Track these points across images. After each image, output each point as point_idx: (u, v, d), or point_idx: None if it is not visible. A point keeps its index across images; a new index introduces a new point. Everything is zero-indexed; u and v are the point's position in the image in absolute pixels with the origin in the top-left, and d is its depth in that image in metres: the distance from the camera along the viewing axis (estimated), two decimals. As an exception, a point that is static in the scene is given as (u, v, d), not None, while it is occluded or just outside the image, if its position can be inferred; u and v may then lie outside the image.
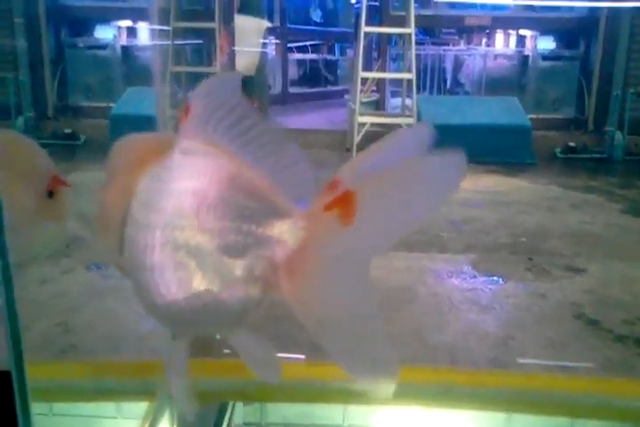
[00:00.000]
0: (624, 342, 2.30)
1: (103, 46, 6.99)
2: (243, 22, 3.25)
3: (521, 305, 2.57)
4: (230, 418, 1.91)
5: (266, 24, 3.35)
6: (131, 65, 7.06)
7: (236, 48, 3.24)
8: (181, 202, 0.57)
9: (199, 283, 0.55)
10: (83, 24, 7.16)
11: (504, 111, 6.42)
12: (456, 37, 9.30)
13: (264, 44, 7.50)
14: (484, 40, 9.18)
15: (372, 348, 0.56)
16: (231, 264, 0.56)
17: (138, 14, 6.97)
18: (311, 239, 0.56)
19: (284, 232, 0.57)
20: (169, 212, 0.56)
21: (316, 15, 10.20)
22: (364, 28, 6.01)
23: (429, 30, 9.19)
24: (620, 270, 3.12)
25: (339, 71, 10.72)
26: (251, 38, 3.31)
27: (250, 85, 7.28)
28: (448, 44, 8.81)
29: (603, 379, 1.95)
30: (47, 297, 2.65)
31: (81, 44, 6.99)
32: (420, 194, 0.54)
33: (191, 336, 0.65)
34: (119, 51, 7.00)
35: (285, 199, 0.61)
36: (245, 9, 6.09)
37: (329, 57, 10.61)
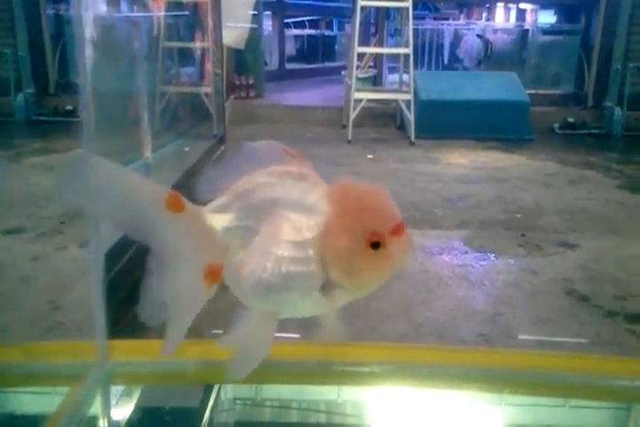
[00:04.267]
0: (614, 318, 2.29)
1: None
2: (231, -5, 3.18)
3: (511, 281, 2.54)
4: (218, 394, 1.89)
5: (256, -4, 3.27)
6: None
7: (224, 22, 3.18)
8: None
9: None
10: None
11: (502, 87, 6.33)
12: (455, 12, 9.16)
13: (258, 19, 7.38)
14: (485, 14, 9.05)
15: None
16: None
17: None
18: None
19: None
20: None
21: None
22: (361, 2, 5.90)
23: (428, 5, 9.05)
24: (615, 246, 3.09)
25: (337, 47, 10.59)
26: (240, 11, 3.24)
27: (245, 62, 7.19)
28: (448, 19, 8.69)
29: (602, 358, 1.92)
30: (38, 274, 2.63)
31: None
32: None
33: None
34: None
35: None
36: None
37: (327, 32, 10.47)
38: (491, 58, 7.63)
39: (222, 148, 2.91)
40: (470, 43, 7.79)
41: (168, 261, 0.67)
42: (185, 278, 0.68)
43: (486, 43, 7.68)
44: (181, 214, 0.67)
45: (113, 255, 1.39)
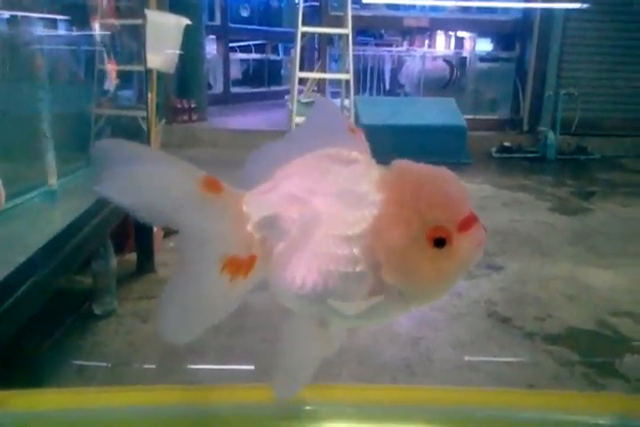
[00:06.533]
0: (533, 339, 2.33)
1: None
2: (158, 19, 3.17)
3: (435, 305, 2.57)
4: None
5: (185, 21, 3.26)
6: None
7: (152, 46, 3.16)
8: None
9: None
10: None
11: (441, 112, 6.49)
12: (399, 39, 9.38)
13: (201, 43, 7.39)
14: (427, 42, 9.29)
15: None
16: None
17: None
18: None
19: None
20: None
21: (245, 12, 10.10)
22: (301, 28, 5.99)
23: (373, 32, 9.25)
24: (539, 268, 3.17)
25: (283, 71, 10.68)
26: (167, 35, 3.23)
27: (187, 85, 7.17)
28: (391, 46, 8.89)
29: (551, 393, 1.95)
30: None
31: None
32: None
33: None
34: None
35: None
36: (181, 7, 5.97)
37: (273, 57, 10.56)
38: (455, 83, 7.82)
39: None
40: (411, 68, 7.99)
41: (189, 251, 0.60)
42: (204, 270, 0.59)
43: (452, 67, 7.88)
44: (217, 197, 0.58)
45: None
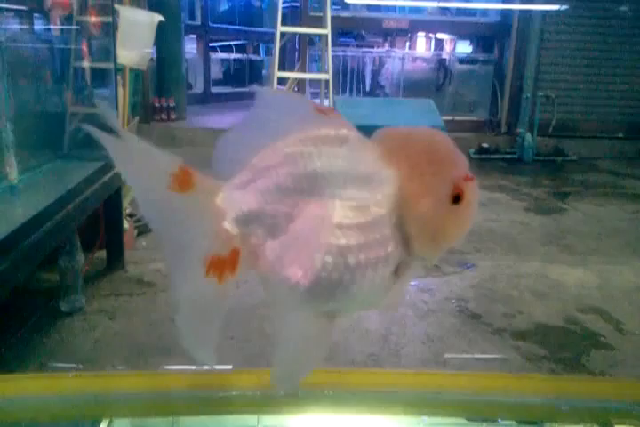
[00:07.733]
0: (501, 335, 2.34)
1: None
2: (130, 15, 3.14)
3: (407, 301, 2.58)
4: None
5: (158, 17, 3.24)
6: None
7: (124, 42, 3.14)
8: None
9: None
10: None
11: (419, 113, 6.51)
12: (380, 40, 9.43)
13: (180, 42, 7.35)
14: (408, 43, 9.34)
15: None
16: None
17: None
18: None
19: None
20: None
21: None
22: (280, 28, 5.98)
23: (354, 33, 9.27)
24: (510, 265, 3.19)
25: (264, 71, 10.67)
26: (140, 32, 3.21)
27: (166, 84, 7.13)
28: (372, 47, 8.91)
29: (519, 376, 1.96)
30: None
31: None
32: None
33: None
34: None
35: None
36: (160, 6, 5.94)
37: (254, 57, 10.55)
38: (450, 85, 7.83)
39: (115, 169, 2.85)
40: (391, 70, 8.02)
41: (169, 253, 0.56)
42: (188, 275, 0.55)
43: (445, 71, 7.91)
44: (187, 195, 0.53)
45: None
